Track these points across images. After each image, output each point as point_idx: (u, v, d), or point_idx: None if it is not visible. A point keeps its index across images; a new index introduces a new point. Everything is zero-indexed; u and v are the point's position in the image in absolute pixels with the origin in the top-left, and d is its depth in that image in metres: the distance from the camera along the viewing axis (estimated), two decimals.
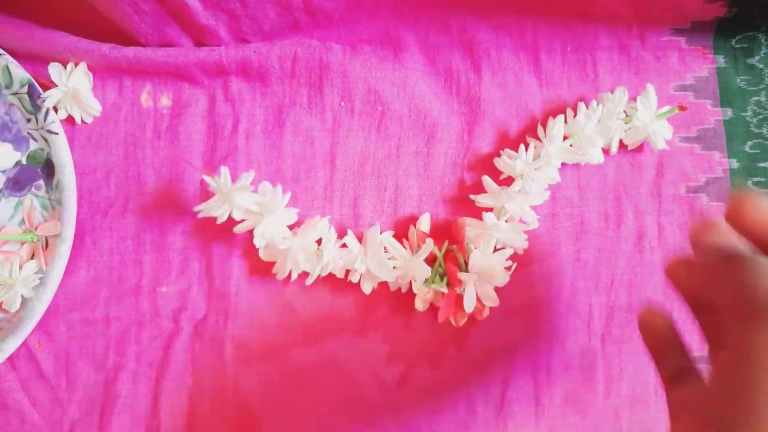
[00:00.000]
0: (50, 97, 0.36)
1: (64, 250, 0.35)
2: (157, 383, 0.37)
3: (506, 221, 0.35)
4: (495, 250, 0.35)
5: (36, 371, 0.36)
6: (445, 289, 0.35)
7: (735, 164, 0.39)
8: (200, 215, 0.33)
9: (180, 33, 0.37)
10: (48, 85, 0.37)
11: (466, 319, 0.35)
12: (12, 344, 0.34)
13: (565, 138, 0.36)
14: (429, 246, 0.35)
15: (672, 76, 0.39)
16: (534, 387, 0.37)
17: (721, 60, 0.40)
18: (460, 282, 0.34)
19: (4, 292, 0.35)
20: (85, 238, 0.37)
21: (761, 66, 0.40)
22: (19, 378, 0.36)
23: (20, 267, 0.35)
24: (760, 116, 0.39)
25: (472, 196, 0.36)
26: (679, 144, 0.39)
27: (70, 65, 0.37)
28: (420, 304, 0.35)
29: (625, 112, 0.37)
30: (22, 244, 0.37)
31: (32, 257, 0.36)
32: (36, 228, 0.36)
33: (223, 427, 0.36)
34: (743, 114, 0.39)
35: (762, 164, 0.39)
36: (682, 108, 0.36)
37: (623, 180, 0.38)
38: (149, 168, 0.38)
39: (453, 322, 0.35)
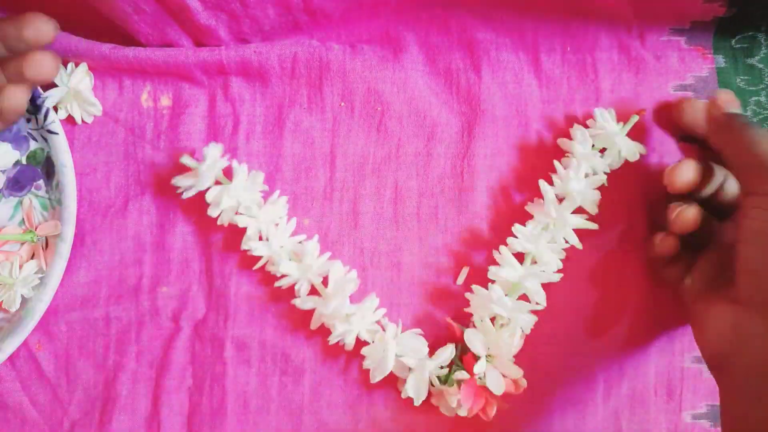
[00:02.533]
0: (51, 97, 0.36)
1: (64, 249, 0.35)
2: (157, 383, 0.37)
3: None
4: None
5: (36, 371, 0.36)
6: (466, 374, 0.34)
7: None
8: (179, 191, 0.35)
9: (180, 33, 0.37)
10: (49, 84, 0.37)
11: (495, 410, 0.34)
12: (12, 344, 0.34)
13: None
14: (449, 352, 0.34)
15: (672, 76, 0.39)
16: (533, 388, 0.37)
17: (720, 60, 0.40)
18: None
19: (3, 291, 0.35)
20: (85, 238, 0.37)
21: (761, 66, 0.40)
22: (20, 378, 0.36)
23: (20, 267, 0.35)
24: (760, 116, 0.39)
25: (491, 270, 0.35)
26: (679, 143, 0.39)
27: (70, 65, 0.37)
28: (452, 401, 0.34)
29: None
30: (22, 244, 0.37)
31: (32, 257, 0.36)
32: (36, 228, 0.36)
33: (222, 427, 0.36)
34: (743, 114, 0.39)
35: None
36: (640, 112, 0.36)
37: (622, 179, 0.38)
38: (149, 168, 0.38)
39: (484, 417, 0.34)
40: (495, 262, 0.37)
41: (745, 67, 0.40)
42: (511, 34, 0.39)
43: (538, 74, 0.39)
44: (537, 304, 0.35)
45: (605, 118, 0.36)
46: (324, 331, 0.37)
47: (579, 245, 0.36)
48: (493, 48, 0.39)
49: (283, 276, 0.35)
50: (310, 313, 0.36)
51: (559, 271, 0.35)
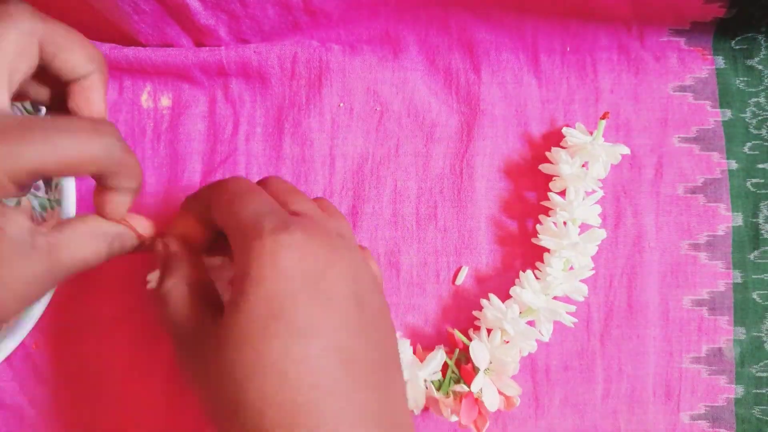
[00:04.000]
0: None
1: None
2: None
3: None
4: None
5: (33, 371, 0.36)
6: (465, 388, 0.33)
7: (734, 165, 0.39)
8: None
9: (180, 33, 0.37)
10: None
11: (488, 424, 0.34)
12: (10, 344, 0.34)
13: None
14: (439, 357, 0.34)
15: (671, 76, 0.39)
16: (533, 387, 0.37)
17: (720, 61, 0.40)
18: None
19: None
20: None
21: (761, 67, 0.40)
22: (17, 378, 0.36)
23: None
24: (760, 117, 0.39)
25: (514, 291, 0.35)
26: (678, 144, 0.39)
27: None
28: (446, 412, 0.34)
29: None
30: None
31: None
32: None
33: None
34: (742, 115, 0.39)
35: (761, 165, 0.39)
36: (605, 116, 0.36)
37: (621, 179, 0.38)
38: (149, 168, 0.38)
39: (475, 430, 0.34)
40: (494, 263, 0.38)
41: (745, 69, 0.40)
42: (510, 34, 0.39)
43: (537, 74, 0.39)
44: (540, 333, 0.35)
45: (575, 134, 0.36)
46: None
47: (591, 271, 0.35)
48: (493, 48, 0.39)
49: None
50: None
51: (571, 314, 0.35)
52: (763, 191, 0.39)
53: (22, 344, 0.36)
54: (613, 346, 0.37)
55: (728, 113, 0.39)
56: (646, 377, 0.37)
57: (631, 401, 0.37)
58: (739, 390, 0.38)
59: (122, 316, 0.37)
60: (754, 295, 0.38)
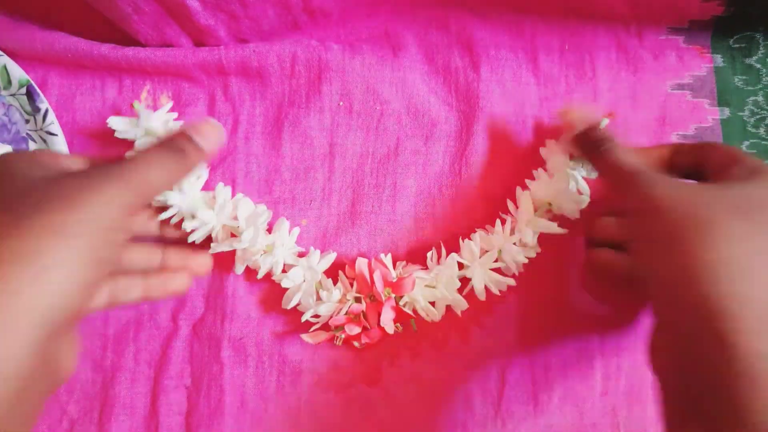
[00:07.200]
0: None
1: None
2: (155, 383, 0.37)
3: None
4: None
5: None
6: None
7: None
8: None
9: (180, 33, 0.37)
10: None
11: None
12: None
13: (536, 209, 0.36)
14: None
15: (670, 74, 0.39)
16: (532, 384, 0.37)
17: (719, 59, 0.40)
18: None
19: None
20: None
21: (759, 66, 0.40)
22: None
23: None
24: (757, 116, 0.39)
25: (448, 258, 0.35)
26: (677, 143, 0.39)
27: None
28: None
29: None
30: None
31: None
32: None
33: (220, 427, 0.36)
34: (740, 114, 0.39)
35: None
36: (610, 115, 0.36)
37: None
38: None
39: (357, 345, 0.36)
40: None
41: (743, 67, 0.40)
42: (509, 32, 0.39)
43: (536, 72, 0.39)
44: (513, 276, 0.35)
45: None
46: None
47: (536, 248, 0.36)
48: (492, 46, 0.39)
49: (193, 231, 0.35)
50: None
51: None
52: None
53: None
54: (612, 344, 0.37)
55: (726, 111, 0.39)
56: (645, 373, 0.37)
57: (630, 398, 0.37)
58: None
59: (126, 320, 0.37)
60: None
